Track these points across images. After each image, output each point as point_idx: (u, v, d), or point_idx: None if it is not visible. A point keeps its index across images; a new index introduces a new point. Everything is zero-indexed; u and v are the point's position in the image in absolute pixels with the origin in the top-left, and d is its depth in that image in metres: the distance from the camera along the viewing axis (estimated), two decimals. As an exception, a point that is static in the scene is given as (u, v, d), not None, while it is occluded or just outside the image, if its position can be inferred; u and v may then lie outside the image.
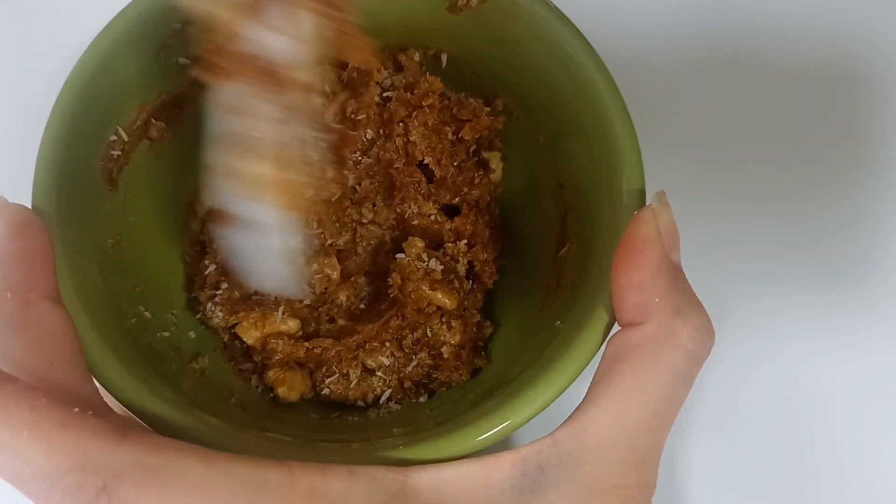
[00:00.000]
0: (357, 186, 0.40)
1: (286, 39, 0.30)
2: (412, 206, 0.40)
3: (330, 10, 0.32)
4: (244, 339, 0.38)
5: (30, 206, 0.32)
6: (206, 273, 0.39)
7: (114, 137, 0.37)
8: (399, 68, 0.43)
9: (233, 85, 0.29)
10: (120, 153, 0.38)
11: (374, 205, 0.41)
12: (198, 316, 0.39)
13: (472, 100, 0.42)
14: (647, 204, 0.31)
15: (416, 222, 0.40)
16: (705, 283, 0.43)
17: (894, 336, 0.44)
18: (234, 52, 0.29)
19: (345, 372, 0.39)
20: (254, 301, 0.38)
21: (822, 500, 0.41)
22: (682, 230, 0.44)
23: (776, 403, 0.42)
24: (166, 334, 0.37)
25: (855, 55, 0.48)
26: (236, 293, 0.38)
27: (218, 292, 0.38)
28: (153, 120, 0.39)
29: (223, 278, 0.39)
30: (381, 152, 0.40)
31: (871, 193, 0.46)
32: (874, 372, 0.43)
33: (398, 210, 0.41)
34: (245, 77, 0.29)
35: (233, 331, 0.39)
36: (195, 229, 0.42)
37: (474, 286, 0.41)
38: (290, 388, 0.38)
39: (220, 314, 0.38)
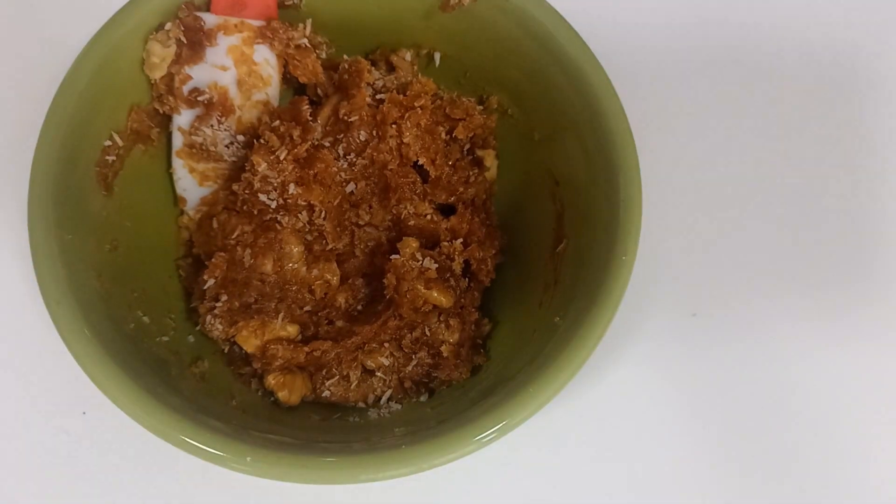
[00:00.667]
0: (353, 189, 0.40)
1: (228, 72, 0.39)
2: (408, 207, 0.40)
3: (272, 35, 0.39)
4: (244, 348, 0.38)
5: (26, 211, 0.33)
6: (205, 287, 0.39)
7: (109, 142, 0.37)
8: (391, 69, 0.43)
9: (186, 113, 0.40)
10: (115, 158, 0.38)
11: (370, 206, 0.41)
12: (198, 328, 0.39)
13: (465, 98, 0.42)
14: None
15: (412, 223, 0.40)
16: (704, 281, 0.44)
17: (892, 335, 0.44)
18: (181, 91, 0.39)
19: (345, 373, 0.39)
20: (253, 309, 0.38)
21: (820, 498, 0.41)
22: (682, 228, 0.45)
23: (774, 402, 0.42)
24: (165, 339, 0.37)
25: (855, 55, 0.48)
26: (236, 303, 0.38)
27: (217, 304, 0.38)
28: (150, 124, 0.39)
29: (222, 291, 0.38)
30: (375, 154, 0.40)
31: (871, 193, 0.46)
32: (872, 371, 0.43)
33: (394, 211, 0.41)
34: (192, 107, 0.39)
35: (232, 339, 0.39)
36: (185, 237, 0.42)
37: (471, 284, 0.41)
38: (291, 391, 0.38)
39: (220, 326, 0.38)
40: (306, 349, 0.38)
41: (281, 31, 0.39)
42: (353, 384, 0.39)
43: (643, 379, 0.42)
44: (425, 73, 0.43)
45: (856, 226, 0.45)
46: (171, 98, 0.39)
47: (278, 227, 0.38)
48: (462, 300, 0.40)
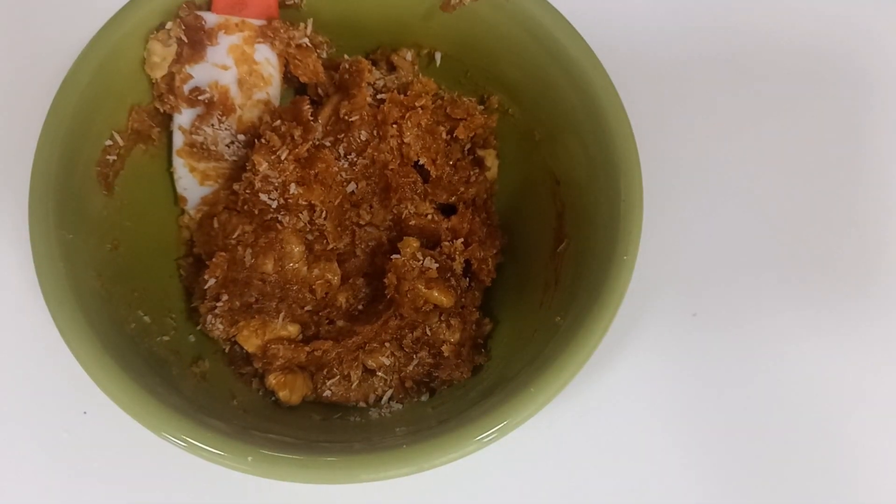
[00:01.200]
0: (354, 189, 0.40)
1: (228, 71, 0.39)
2: (409, 207, 0.40)
3: (273, 34, 0.39)
4: (245, 348, 0.38)
5: (26, 211, 0.32)
6: (206, 287, 0.39)
7: (109, 142, 0.37)
8: (392, 69, 0.43)
9: (186, 112, 0.39)
10: (116, 158, 0.38)
11: (371, 206, 0.41)
12: (198, 328, 0.39)
13: (465, 98, 0.42)
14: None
15: (412, 222, 0.40)
16: (704, 281, 0.44)
17: (891, 335, 0.44)
18: (181, 90, 0.39)
19: (346, 373, 0.39)
20: (254, 309, 0.38)
21: (822, 497, 0.41)
22: (682, 228, 0.45)
23: (775, 402, 0.42)
24: (166, 338, 0.37)
25: (855, 55, 0.48)
26: (236, 303, 0.38)
27: (218, 304, 0.38)
28: (150, 123, 0.39)
29: (223, 290, 0.38)
30: (376, 154, 0.40)
31: (871, 192, 0.46)
32: (875, 370, 0.43)
33: (395, 211, 0.41)
34: (192, 106, 0.39)
35: (233, 339, 0.39)
36: (186, 237, 0.42)
37: (472, 284, 0.41)
38: (292, 391, 0.38)
39: (221, 326, 0.38)
40: (307, 349, 0.38)
41: (282, 31, 0.39)
42: (354, 384, 0.39)
43: (644, 378, 0.42)
44: (426, 73, 0.43)
45: (857, 226, 0.45)
46: (171, 97, 0.39)
47: (279, 227, 0.38)
48: (463, 300, 0.40)
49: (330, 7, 0.40)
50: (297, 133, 0.38)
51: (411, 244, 0.39)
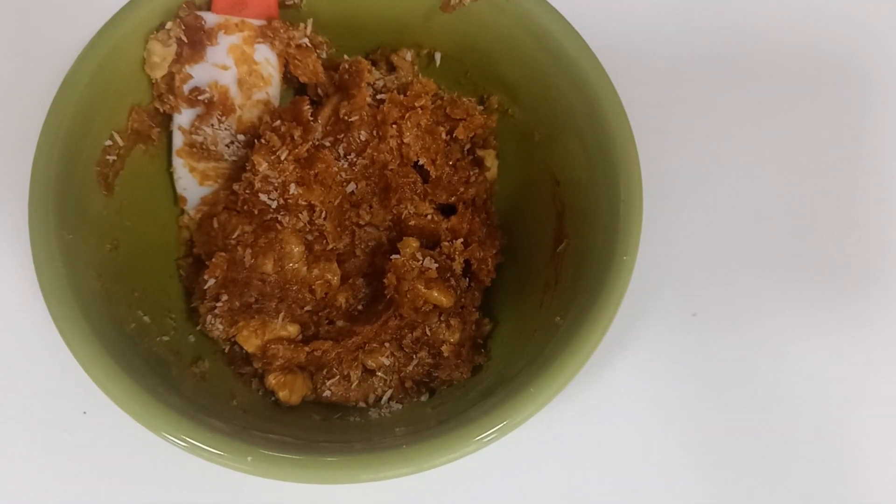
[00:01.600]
0: (354, 189, 0.40)
1: (228, 71, 0.39)
2: (408, 207, 0.40)
3: (272, 34, 0.39)
4: (245, 348, 0.38)
5: (26, 211, 0.32)
6: (206, 287, 0.39)
7: (109, 142, 0.37)
8: (392, 69, 0.43)
9: (186, 112, 0.40)
10: (116, 158, 0.38)
11: (370, 206, 0.41)
12: (198, 328, 0.39)
13: (465, 98, 0.42)
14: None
15: (412, 222, 0.40)
16: (704, 281, 0.44)
17: (891, 335, 0.44)
18: (181, 90, 0.39)
19: (345, 373, 0.39)
20: (254, 309, 0.38)
21: (822, 497, 0.41)
22: (682, 228, 0.45)
23: (774, 402, 0.42)
24: (166, 338, 0.37)
25: (855, 55, 0.48)
26: (236, 303, 0.38)
27: (218, 304, 0.38)
28: (150, 123, 0.39)
29: (223, 290, 0.38)
30: (376, 154, 0.40)
31: (870, 191, 0.46)
32: (874, 369, 0.43)
33: (394, 211, 0.41)
34: (192, 106, 0.39)
35: (233, 339, 0.39)
36: (185, 237, 0.42)
37: (472, 284, 0.41)
38: (292, 391, 0.38)
39: (221, 326, 0.38)
40: (307, 349, 0.38)
41: (282, 31, 0.39)
42: (354, 384, 0.39)
43: (644, 378, 0.42)
44: (426, 73, 0.43)
45: (857, 226, 0.45)
46: (171, 97, 0.39)
47: (279, 227, 0.38)
48: (463, 300, 0.40)
49: (330, 7, 0.40)
50: (297, 133, 0.38)
51: (411, 244, 0.39)
